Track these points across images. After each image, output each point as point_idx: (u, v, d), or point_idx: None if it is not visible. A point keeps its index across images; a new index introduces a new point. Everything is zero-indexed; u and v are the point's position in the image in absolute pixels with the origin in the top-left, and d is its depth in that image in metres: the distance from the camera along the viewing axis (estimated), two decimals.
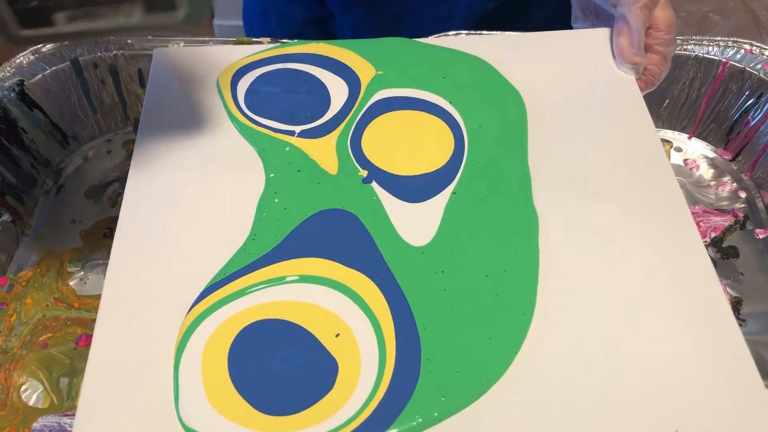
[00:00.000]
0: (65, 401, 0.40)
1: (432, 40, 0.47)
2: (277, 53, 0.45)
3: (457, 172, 0.38)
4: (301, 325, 0.31)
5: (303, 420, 0.29)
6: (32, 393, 0.40)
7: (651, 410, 0.29)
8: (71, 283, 0.45)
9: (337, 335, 0.31)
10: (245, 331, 0.31)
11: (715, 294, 0.33)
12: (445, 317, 0.32)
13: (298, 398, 0.29)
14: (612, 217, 0.36)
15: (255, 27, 0.67)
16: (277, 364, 0.30)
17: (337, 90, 0.42)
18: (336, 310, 0.32)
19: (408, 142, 0.40)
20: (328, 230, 0.35)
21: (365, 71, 0.44)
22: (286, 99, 0.42)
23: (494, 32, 0.50)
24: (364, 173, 0.38)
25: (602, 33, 0.45)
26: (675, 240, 0.35)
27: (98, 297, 0.44)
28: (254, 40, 0.50)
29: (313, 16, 0.62)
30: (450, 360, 0.30)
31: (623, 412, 0.29)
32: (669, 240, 0.35)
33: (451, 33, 0.51)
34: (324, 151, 0.39)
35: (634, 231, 0.35)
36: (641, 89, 0.43)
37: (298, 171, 0.38)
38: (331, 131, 0.40)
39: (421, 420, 0.28)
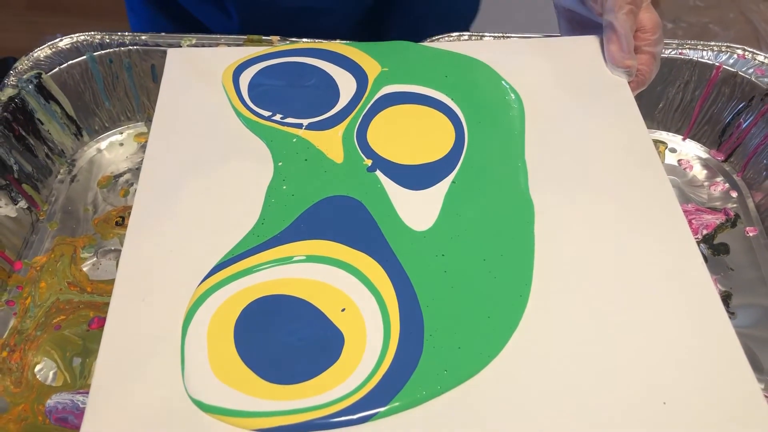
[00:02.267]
0: (78, 380, 0.41)
1: (434, 43, 0.49)
2: (282, 48, 0.47)
3: (457, 162, 0.39)
4: (308, 300, 0.33)
5: (308, 389, 0.30)
6: (47, 372, 0.41)
7: (642, 389, 0.30)
8: (84, 269, 0.47)
9: (343, 310, 0.32)
10: (252, 305, 0.33)
11: (704, 283, 0.34)
12: (447, 297, 0.33)
13: (304, 368, 0.30)
14: (604, 209, 0.37)
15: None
16: (284, 336, 0.32)
17: (346, 84, 0.44)
18: (342, 287, 0.33)
19: (411, 134, 0.41)
20: (334, 215, 0.37)
21: (371, 68, 0.45)
22: (293, 93, 0.44)
23: (495, 35, 0.52)
24: (368, 162, 0.40)
25: (593, 39, 0.47)
26: (665, 231, 0.36)
27: (110, 282, 0.45)
28: (264, 38, 0.52)
29: None
30: (451, 336, 0.32)
31: (615, 388, 0.30)
32: (659, 231, 0.36)
33: (454, 34, 0.52)
34: (330, 142, 0.41)
35: (626, 223, 0.36)
36: (633, 89, 0.44)
37: (305, 160, 0.40)
38: (339, 123, 0.42)
39: (424, 392, 0.30)
